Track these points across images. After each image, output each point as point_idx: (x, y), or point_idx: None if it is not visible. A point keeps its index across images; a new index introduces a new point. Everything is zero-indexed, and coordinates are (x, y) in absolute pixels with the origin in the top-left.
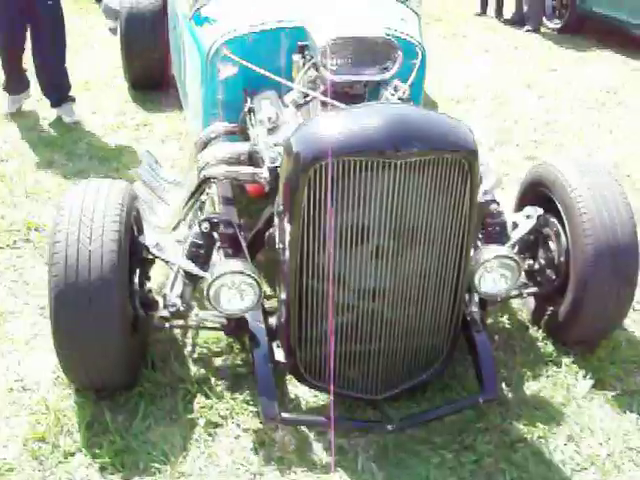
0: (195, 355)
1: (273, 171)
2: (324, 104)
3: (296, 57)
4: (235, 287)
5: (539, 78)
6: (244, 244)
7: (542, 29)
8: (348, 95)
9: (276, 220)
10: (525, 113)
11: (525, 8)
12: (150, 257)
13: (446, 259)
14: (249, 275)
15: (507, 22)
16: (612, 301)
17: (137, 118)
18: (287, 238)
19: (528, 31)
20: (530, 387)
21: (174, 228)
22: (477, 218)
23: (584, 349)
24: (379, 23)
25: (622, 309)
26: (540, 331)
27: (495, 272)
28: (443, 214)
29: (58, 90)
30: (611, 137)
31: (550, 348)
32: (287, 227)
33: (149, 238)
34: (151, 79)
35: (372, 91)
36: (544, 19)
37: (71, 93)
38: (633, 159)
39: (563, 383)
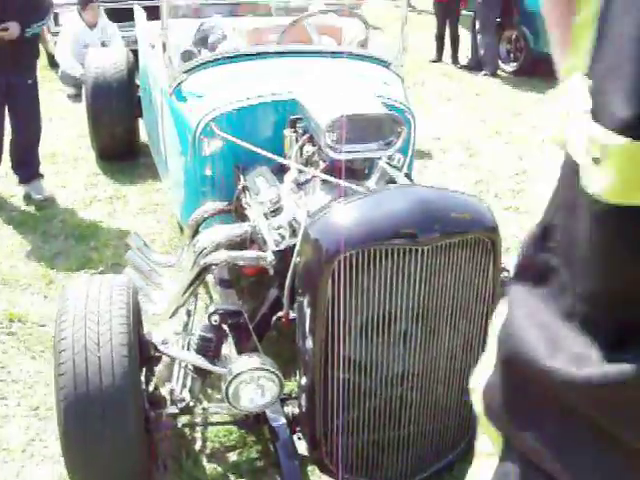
0: (207, 451)
1: (277, 254)
2: (324, 182)
3: (288, 132)
4: (255, 383)
5: (505, 124)
6: (253, 333)
7: (499, 72)
8: (348, 170)
9: (286, 304)
10: (498, 162)
11: (481, 52)
12: (157, 354)
13: (472, 336)
14: (269, 370)
15: (464, 67)
16: None
17: (109, 190)
18: (307, 327)
19: (486, 75)
20: None
21: (171, 315)
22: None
23: None
24: (374, 94)
25: None
26: None
27: None
28: (469, 293)
29: (29, 167)
30: None
31: None
32: (308, 316)
33: (155, 335)
34: (120, 149)
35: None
36: (500, 63)
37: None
38: None
39: None
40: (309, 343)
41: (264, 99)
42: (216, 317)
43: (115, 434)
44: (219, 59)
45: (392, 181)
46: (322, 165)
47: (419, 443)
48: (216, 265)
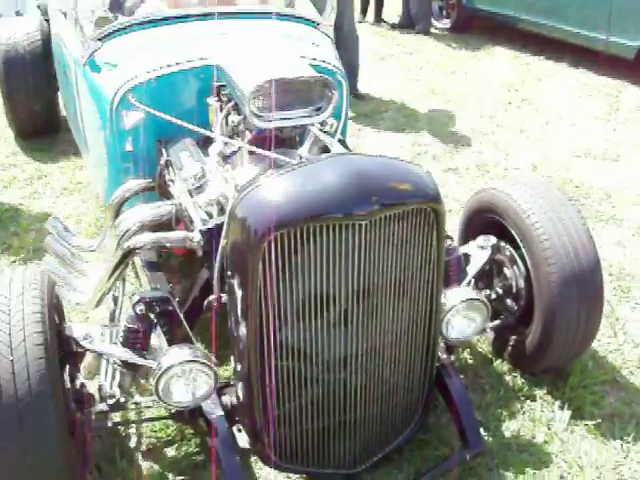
0: (143, 447)
1: (206, 233)
2: (252, 153)
3: (212, 100)
4: (186, 376)
5: (440, 83)
6: (184, 320)
7: (431, 30)
8: (278, 140)
9: (216, 287)
10: (435, 122)
11: (413, 10)
12: (80, 350)
13: (418, 311)
14: (201, 362)
15: (396, 26)
16: (581, 327)
17: (28, 170)
18: (240, 312)
19: (419, 33)
20: (509, 428)
21: (97, 304)
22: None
23: (553, 377)
24: (303, 56)
25: (591, 334)
26: (504, 363)
27: (463, 316)
28: (412, 266)
29: None
30: (523, 138)
31: (519, 380)
32: (239, 301)
33: (77, 329)
34: (40, 126)
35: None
36: (432, 20)
37: None
38: (550, 162)
39: (542, 418)
40: (242, 329)
41: (185, 66)
42: (141, 306)
43: (37, 446)
44: (136, 24)
45: (326, 149)
46: (249, 135)
47: (365, 428)
48: (140, 248)
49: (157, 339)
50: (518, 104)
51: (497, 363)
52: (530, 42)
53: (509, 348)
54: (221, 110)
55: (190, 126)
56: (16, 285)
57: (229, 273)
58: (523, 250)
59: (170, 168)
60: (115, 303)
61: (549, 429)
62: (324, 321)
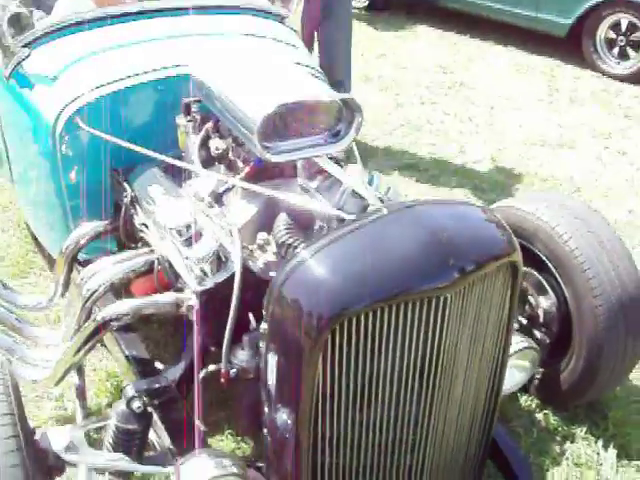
0: None
1: (203, 295)
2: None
3: (182, 120)
4: None
5: (373, 68)
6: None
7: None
8: (276, 170)
9: (224, 360)
10: (376, 111)
11: None
12: (59, 464)
13: (485, 373)
14: (236, 475)
15: None
16: (628, 359)
17: None
18: (284, 401)
19: None
20: (556, 476)
21: (59, 381)
22: None
23: (588, 411)
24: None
25: (633, 365)
26: (531, 398)
27: (513, 366)
28: (485, 327)
29: None
30: (473, 126)
31: (552, 419)
32: (286, 390)
33: (54, 438)
34: None
35: None
36: None
37: None
38: (507, 152)
39: (587, 462)
40: (288, 424)
41: (143, 78)
42: (138, 403)
43: None
44: (71, 25)
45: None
46: (244, 168)
47: None
48: (117, 320)
49: (155, 436)
50: (457, 88)
51: (523, 399)
52: (451, 20)
53: (537, 382)
54: (194, 131)
55: (159, 156)
56: None
57: (271, 358)
58: (559, 279)
59: (137, 207)
60: (80, 375)
61: (598, 474)
62: (391, 405)
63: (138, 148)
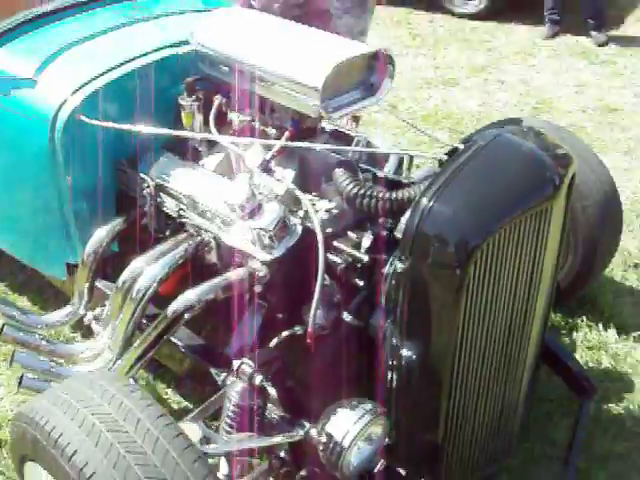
0: None
1: (274, 264)
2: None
3: (185, 101)
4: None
5: None
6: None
7: None
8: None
9: (312, 319)
10: None
11: None
12: None
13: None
14: (378, 415)
15: None
16: (612, 248)
17: None
18: (424, 346)
19: None
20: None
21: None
22: None
23: (582, 304)
24: None
25: (613, 253)
26: None
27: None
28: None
29: None
30: None
31: (557, 315)
32: (434, 332)
33: (191, 433)
34: None
35: None
36: None
37: None
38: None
39: (596, 345)
40: (425, 360)
41: (137, 63)
42: (260, 376)
43: None
44: (34, 18)
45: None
46: (285, 132)
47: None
48: (191, 309)
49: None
50: None
51: None
52: None
53: None
54: (199, 111)
55: (182, 133)
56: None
57: (410, 302)
58: None
59: (164, 195)
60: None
61: (606, 352)
62: (504, 319)
63: (164, 130)
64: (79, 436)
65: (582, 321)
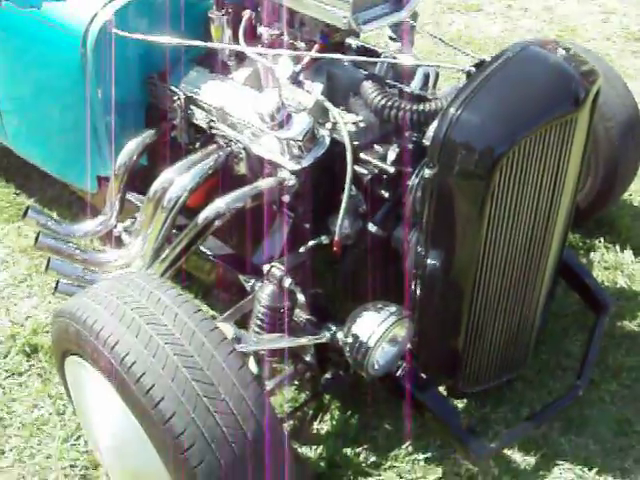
0: None
1: (302, 173)
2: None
3: (215, 14)
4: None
5: None
6: None
7: None
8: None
9: (339, 228)
10: None
11: None
12: None
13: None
14: (401, 318)
15: None
16: (632, 169)
17: None
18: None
19: None
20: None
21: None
22: None
23: (600, 225)
24: None
25: (635, 172)
26: None
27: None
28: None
29: None
30: None
31: (574, 236)
32: (459, 235)
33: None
34: None
35: None
36: None
37: None
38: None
39: (612, 265)
40: (452, 284)
41: None
42: (289, 280)
43: None
44: None
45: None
46: (313, 46)
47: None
48: (221, 217)
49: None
50: None
51: None
52: None
53: None
54: (228, 25)
55: (216, 45)
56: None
57: (436, 209)
58: None
59: (194, 108)
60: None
61: (622, 272)
62: (527, 227)
63: (194, 42)
64: (120, 329)
65: (600, 242)
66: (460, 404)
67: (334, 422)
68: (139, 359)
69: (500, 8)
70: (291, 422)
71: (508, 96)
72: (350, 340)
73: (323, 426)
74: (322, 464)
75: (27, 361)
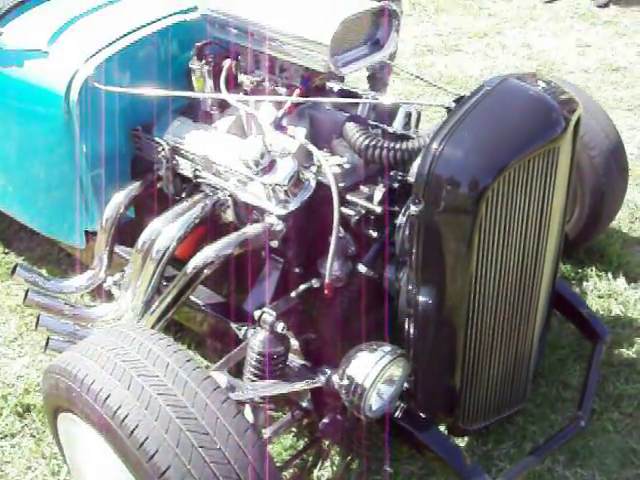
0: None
1: (290, 218)
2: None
3: (196, 65)
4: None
5: None
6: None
7: None
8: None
9: (329, 271)
10: None
11: None
12: None
13: (559, 228)
14: (399, 356)
15: None
16: (618, 198)
17: None
18: (439, 299)
19: None
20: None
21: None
22: None
23: (589, 254)
24: None
25: (620, 202)
26: None
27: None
28: (564, 179)
29: None
30: None
31: (566, 266)
32: (449, 271)
33: (219, 380)
34: None
35: None
36: None
37: None
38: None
39: (606, 293)
40: (446, 321)
41: (151, 28)
42: (282, 323)
43: None
44: None
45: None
46: (295, 90)
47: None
48: (210, 266)
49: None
50: None
51: None
52: None
53: None
54: (209, 75)
55: (198, 94)
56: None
57: (425, 245)
58: None
59: (179, 158)
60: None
61: (616, 300)
62: (516, 258)
63: (176, 93)
64: (111, 381)
65: (591, 271)
66: (462, 442)
67: (334, 468)
68: (132, 412)
69: (479, 47)
70: (290, 470)
71: (489, 128)
72: (346, 382)
73: (323, 473)
74: None
75: (20, 421)
